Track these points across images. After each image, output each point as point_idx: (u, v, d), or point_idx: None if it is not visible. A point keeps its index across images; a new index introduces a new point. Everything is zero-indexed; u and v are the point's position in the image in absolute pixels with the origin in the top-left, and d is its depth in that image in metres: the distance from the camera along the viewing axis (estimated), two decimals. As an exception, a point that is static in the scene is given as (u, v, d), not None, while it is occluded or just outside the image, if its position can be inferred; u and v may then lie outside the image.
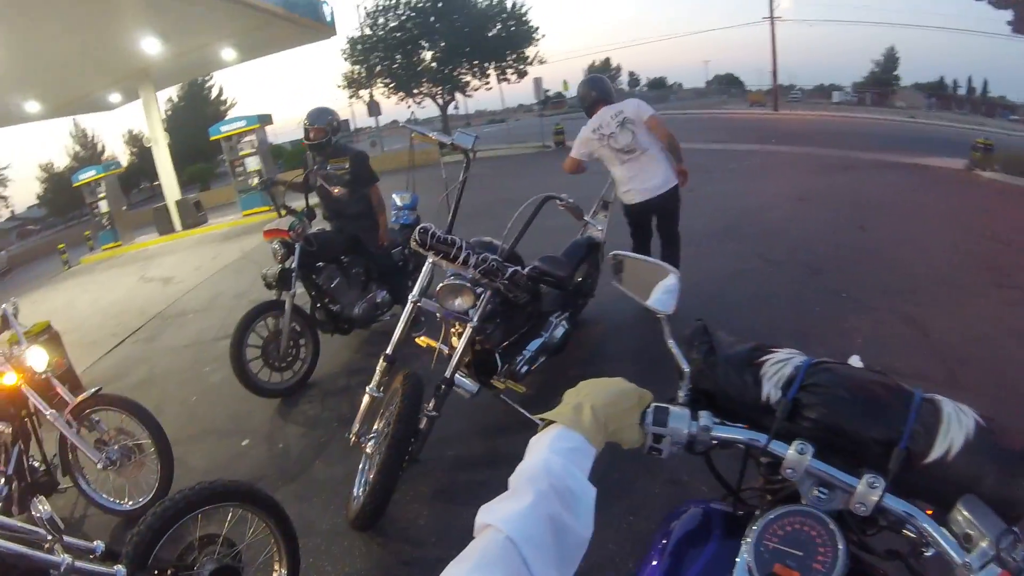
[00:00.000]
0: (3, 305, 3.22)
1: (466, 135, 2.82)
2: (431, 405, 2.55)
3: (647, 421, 0.78)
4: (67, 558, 1.60)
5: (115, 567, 1.72)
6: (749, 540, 0.73)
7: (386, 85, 32.38)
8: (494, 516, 0.60)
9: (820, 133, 17.54)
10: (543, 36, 42.45)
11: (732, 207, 7.60)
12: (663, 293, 0.95)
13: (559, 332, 3.18)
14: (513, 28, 31.91)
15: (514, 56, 32.54)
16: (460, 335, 2.65)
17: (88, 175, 15.68)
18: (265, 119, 14.55)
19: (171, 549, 1.97)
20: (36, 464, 3.13)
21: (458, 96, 35.06)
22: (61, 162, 37.10)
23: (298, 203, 4.37)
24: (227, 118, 15.66)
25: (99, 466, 2.97)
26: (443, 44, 31.09)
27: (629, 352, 3.75)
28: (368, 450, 2.60)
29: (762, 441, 0.76)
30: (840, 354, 0.87)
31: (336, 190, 4.22)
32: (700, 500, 0.92)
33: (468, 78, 33.44)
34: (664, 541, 0.84)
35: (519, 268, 2.57)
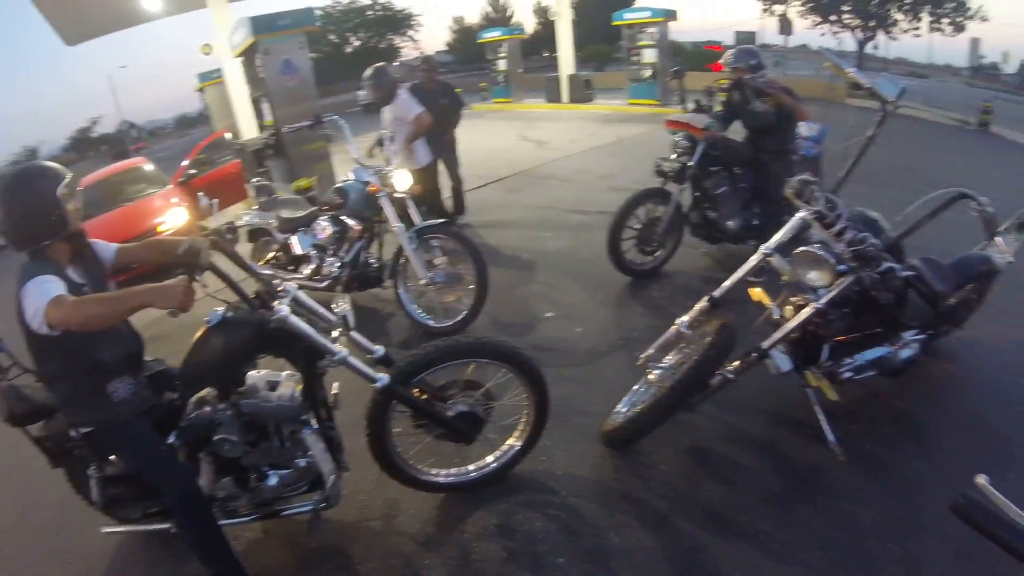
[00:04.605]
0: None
1: (891, 83, 2.38)
2: (733, 366, 2.35)
3: None
4: (344, 351, 1.81)
5: (381, 374, 1.92)
6: None
7: (804, 3, 29.62)
8: None
9: None
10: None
11: None
12: None
13: (905, 353, 2.51)
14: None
15: (954, 4, 26.57)
16: (798, 308, 2.34)
17: (493, 35, 17.46)
18: (670, 14, 13.92)
19: (438, 377, 2.15)
20: (372, 261, 3.84)
21: (880, 35, 29.87)
22: (472, 19, 42.83)
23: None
24: (634, 6, 15.48)
25: (422, 282, 3.45)
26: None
27: (970, 416, 2.57)
28: (651, 377, 2.50)
29: None
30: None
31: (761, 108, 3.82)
32: None
33: (898, 16, 28.05)
34: None
35: (896, 266, 2.23)
